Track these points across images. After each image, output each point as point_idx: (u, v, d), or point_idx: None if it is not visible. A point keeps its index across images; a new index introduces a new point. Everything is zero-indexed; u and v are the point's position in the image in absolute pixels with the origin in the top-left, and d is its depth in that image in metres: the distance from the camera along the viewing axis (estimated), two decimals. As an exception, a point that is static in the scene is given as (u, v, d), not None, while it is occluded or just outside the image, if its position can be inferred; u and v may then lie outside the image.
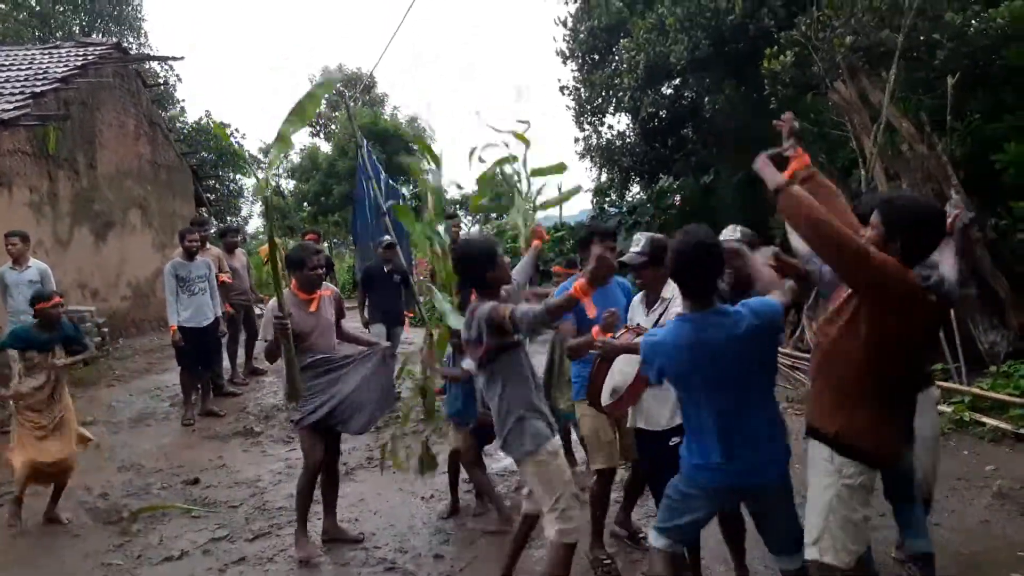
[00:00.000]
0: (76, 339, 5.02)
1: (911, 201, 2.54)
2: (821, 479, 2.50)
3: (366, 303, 7.66)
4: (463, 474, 4.73)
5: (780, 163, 2.95)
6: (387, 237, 7.02)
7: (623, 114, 14.66)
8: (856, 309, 2.45)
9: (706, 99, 13.46)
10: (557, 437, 3.21)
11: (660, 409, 3.40)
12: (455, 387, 4.48)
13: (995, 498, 4.45)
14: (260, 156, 28.45)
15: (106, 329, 10.53)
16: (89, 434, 5.17)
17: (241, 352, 8.86)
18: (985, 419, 5.54)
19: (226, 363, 8.40)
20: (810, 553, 2.53)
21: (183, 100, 21.89)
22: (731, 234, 3.75)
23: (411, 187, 19.38)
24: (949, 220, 2.67)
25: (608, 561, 3.75)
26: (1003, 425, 5.38)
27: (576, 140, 15.62)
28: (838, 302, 2.57)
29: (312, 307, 4.18)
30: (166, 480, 5.55)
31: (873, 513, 2.76)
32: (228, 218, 23.24)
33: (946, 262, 2.70)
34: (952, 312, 6.62)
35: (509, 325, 2.98)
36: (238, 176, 22.12)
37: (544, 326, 3.11)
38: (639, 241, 3.78)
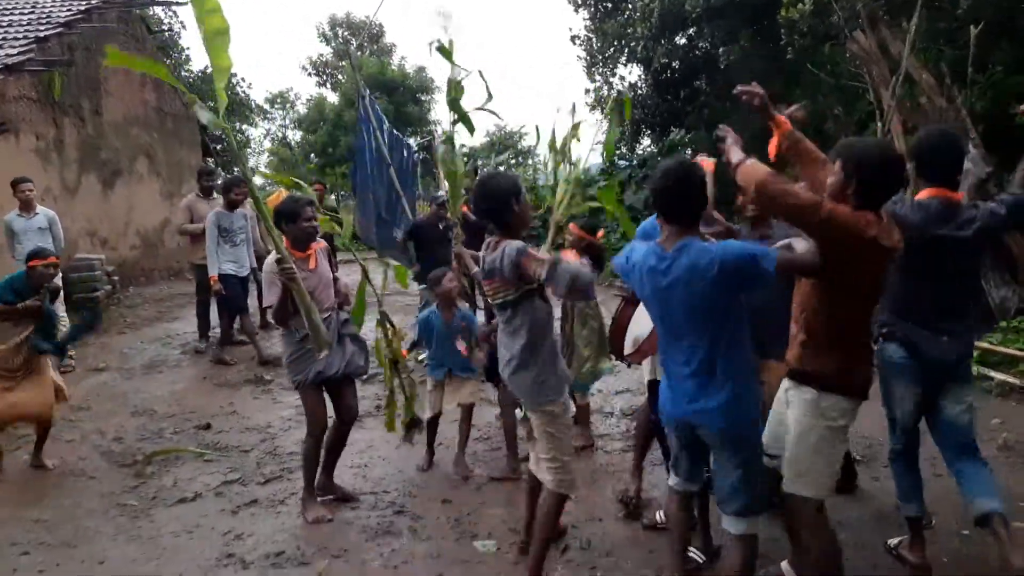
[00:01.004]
0: (48, 328, 4.77)
1: (868, 146, 2.59)
2: (806, 420, 2.59)
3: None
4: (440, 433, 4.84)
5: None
6: (441, 193, 6.48)
7: (635, 65, 14.38)
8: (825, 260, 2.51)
9: (721, 50, 13.17)
10: (567, 393, 3.21)
11: None
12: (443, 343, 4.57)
13: (1000, 450, 4.49)
14: (267, 106, 28.19)
15: (116, 277, 10.58)
16: (64, 385, 4.98)
17: (252, 303, 8.88)
18: (993, 373, 5.55)
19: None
20: (788, 485, 2.62)
21: (188, 48, 21.57)
22: None
23: (418, 138, 19.17)
24: None
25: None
26: (1011, 380, 5.39)
27: (587, 91, 15.37)
28: None
29: (310, 264, 3.97)
30: (178, 425, 5.64)
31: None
32: (235, 169, 23.12)
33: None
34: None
35: (539, 276, 2.85)
36: (245, 126, 21.93)
37: (586, 289, 3.00)
38: None
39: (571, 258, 3.16)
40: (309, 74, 29.49)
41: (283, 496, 4.35)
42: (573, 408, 3.46)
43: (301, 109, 27.35)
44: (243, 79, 22.31)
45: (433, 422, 4.73)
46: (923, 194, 2.97)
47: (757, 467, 2.67)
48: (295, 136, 28.20)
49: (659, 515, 3.72)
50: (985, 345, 5.92)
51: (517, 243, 2.95)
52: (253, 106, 24.08)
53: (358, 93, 7.82)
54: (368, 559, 3.60)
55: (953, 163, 3.02)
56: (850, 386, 2.59)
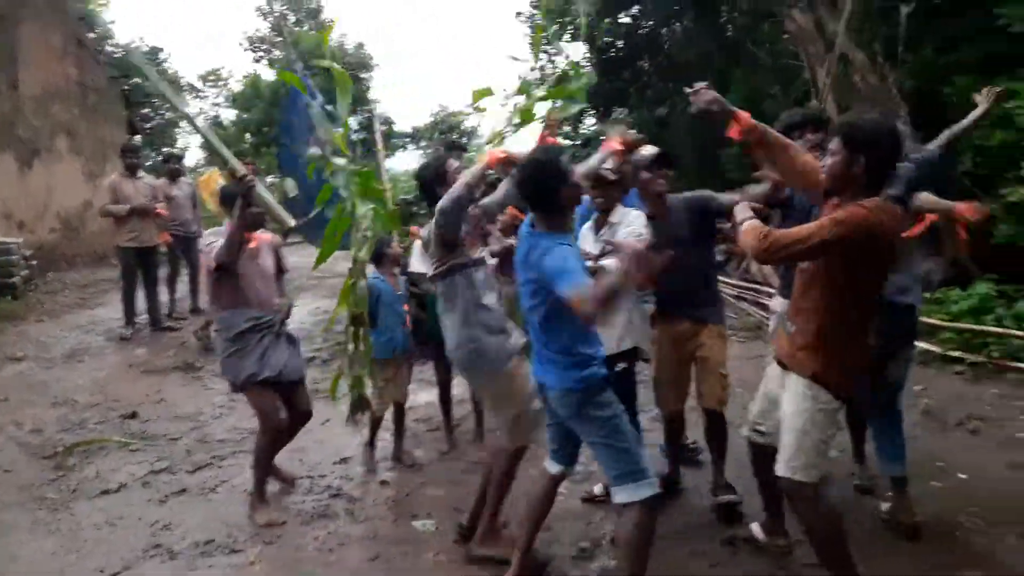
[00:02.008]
0: None
1: (873, 121, 2.54)
2: (798, 404, 2.59)
3: None
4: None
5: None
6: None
7: (579, 43, 14.37)
8: (828, 263, 2.50)
9: (664, 30, 13.25)
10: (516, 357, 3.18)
11: (607, 334, 3.38)
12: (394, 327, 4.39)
13: (922, 415, 4.65)
14: (199, 84, 27.13)
15: (34, 262, 10.01)
16: None
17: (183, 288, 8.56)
18: (917, 342, 5.72)
19: (165, 297, 8.13)
20: (782, 470, 2.62)
21: (112, 21, 20.52)
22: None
23: (356, 117, 18.75)
24: None
25: None
26: (933, 348, 5.59)
27: (532, 69, 15.24)
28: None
29: (259, 248, 3.79)
30: (102, 415, 5.38)
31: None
32: (164, 149, 22.24)
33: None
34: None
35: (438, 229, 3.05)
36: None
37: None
38: (607, 159, 3.70)
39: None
40: (245, 50, 28.56)
41: (214, 484, 4.20)
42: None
43: (235, 87, 26.42)
44: (171, 55, 21.40)
45: (378, 420, 4.46)
46: None
47: (615, 438, 2.64)
48: (229, 115, 27.24)
49: (596, 488, 3.73)
50: (911, 316, 6.12)
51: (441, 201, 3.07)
52: (184, 84, 23.16)
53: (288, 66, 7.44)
54: (303, 544, 3.50)
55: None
56: (844, 386, 2.60)
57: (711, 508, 3.54)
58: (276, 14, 27.45)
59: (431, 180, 3.36)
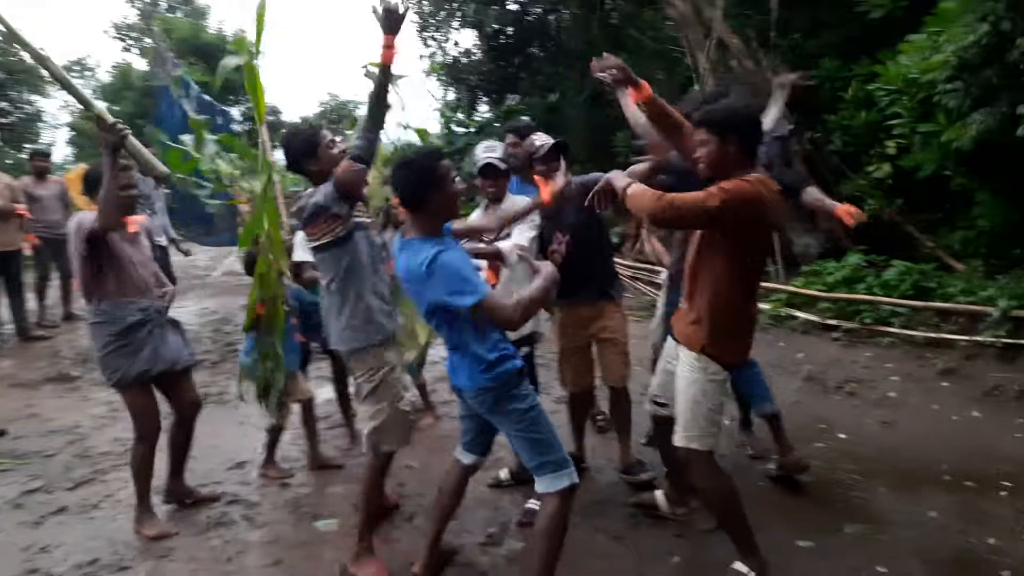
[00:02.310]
0: None
1: (731, 106, 2.71)
2: (689, 375, 2.69)
3: None
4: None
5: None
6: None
7: (468, 29, 14.29)
8: (715, 236, 2.60)
9: (551, 16, 13.38)
10: (394, 350, 3.10)
11: None
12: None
13: (804, 381, 4.95)
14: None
15: None
16: None
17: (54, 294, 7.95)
18: (798, 313, 6.10)
19: (34, 304, 7.53)
20: (680, 439, 2.72)
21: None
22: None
23: (239, 108, 17.97)
24: None
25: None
26: (812, 317, 5.94)
27: (421, 57, 15.09)
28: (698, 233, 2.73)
29: (131, 230, 3.49)
30: (-35, 434, 4.93)
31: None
32: (24, 146, 20.56)
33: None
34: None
35: (355, 165, 2.88)
36: (35, 97, 19.44)
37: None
38: (495, 148, 3.71)
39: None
40: (112, 38, 26.78)
41: (96, 500, 3.92)
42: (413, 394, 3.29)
43: (104, 77, 24.71)
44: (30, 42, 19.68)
45: (278, 429, 4.16)
46: None
47: (534, 429, 2.61)
48: (98, 107, 25.43)
49: (502, 473, 3.75)
50: (790, 288, 6.49)
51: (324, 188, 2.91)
52: (45, 74, 21.43)
53: (158, 56, 7.01)
54: (198, 555, 3.32)
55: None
56: (732, 356, 2.72)
57: (625, 484, 3.62)
58: (146, 0, 25.83)
59: (300, 152, 3.08)
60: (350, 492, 3.82)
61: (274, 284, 3.70)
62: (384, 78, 2.86)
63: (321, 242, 2.97)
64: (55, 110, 26.45)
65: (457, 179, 2.71)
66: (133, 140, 3.12)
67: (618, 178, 2.76)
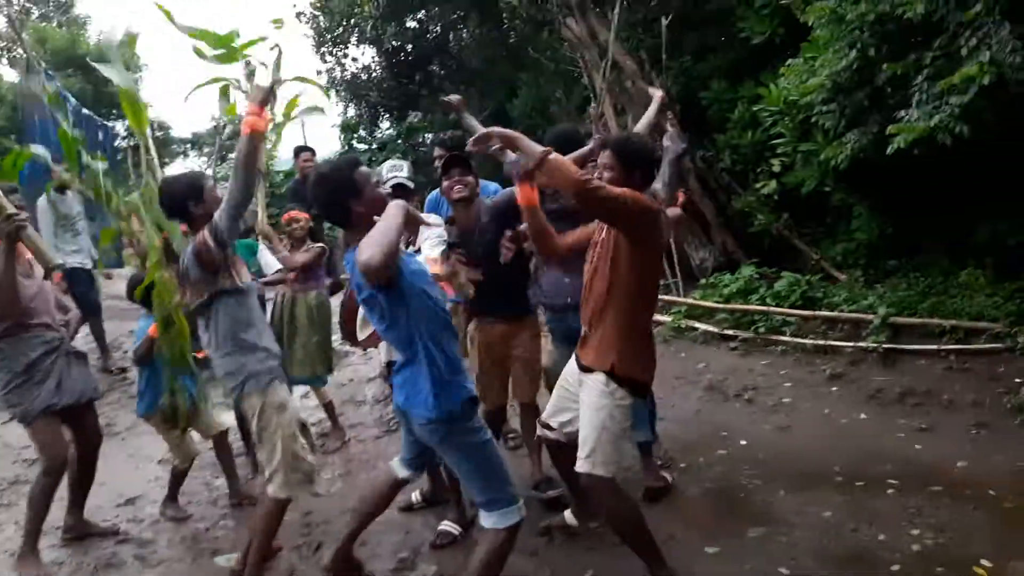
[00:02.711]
0: None
1: (637, 139, 2.89)
2: (596, 400, 2.71)
3: None
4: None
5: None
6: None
7: (367, 46, 14.12)
8: (616, 252, 2.68)
9: (451, 34, 13.42)
10: (284, 387, 3.02)
11: None
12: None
13: (705, 391, 5.12)
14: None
15: None
16: None
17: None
18: (697, 324, 6.31)
19: None
20: (583, 466, 2.71)
21: None
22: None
23: (124, 122, 16.99)
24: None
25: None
26: (711, 328, 6.17)
27: (319, 72, 14.75)
28: (595, 257, 2.80)
29: (27, 267, 3.34)
30: None
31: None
32: None
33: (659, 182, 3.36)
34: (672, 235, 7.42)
35: (212, 245, 2.73)
36: None
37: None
38: (401, 167, 3.70)
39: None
40: (-21, 46, 24.75)
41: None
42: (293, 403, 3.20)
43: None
44: None
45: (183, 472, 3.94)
46: None
47: (485, 464, 2.55)
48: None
49: (413, 496, 3.67)
50: (689, 301, 6.73)
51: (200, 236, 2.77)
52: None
53: (27, 66, 6.51)
54: (83, 604, 3.07)
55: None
56: (639, 381, 2.79)
57: (537, 501, 3.59)
58: (16, 7, 24.09)
59: (184, 195, 2.96)
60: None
61: (169, 300, 3.36)
62: (251, 146, 2.70)
63: (200, 302, 2.90)
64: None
65: (379, 182, 2.68)
66: (30, 230, 3.08)
67: (532, 144, 2.68)
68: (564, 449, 2.99)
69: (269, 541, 3.01)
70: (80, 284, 5.92)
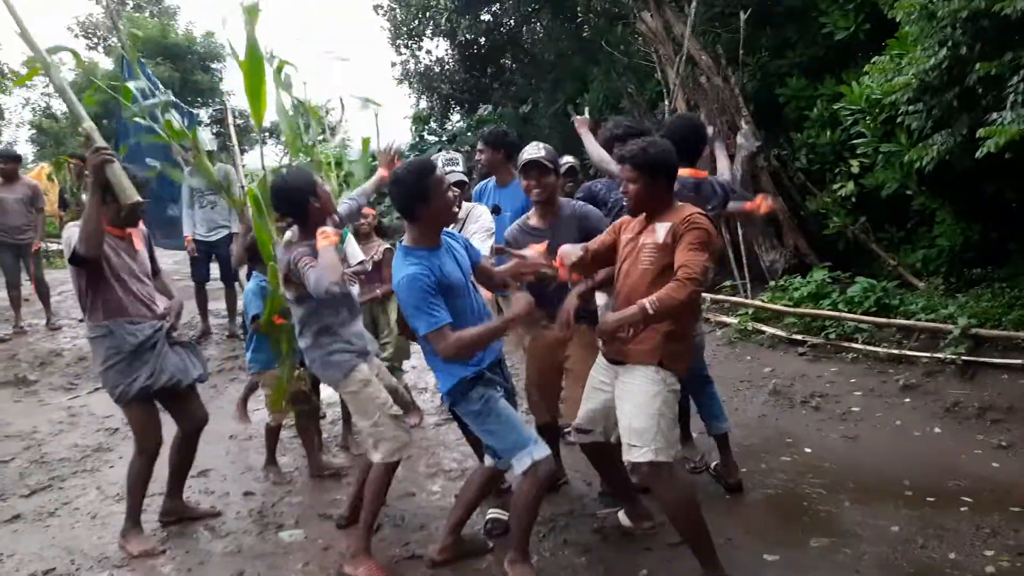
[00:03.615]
0: None
1: (654, 146, 2.81)
2: (648, 388, 2.72)
3: None
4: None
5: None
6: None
7: (441, 38, 14.27)
8: (671, 258, 2.69)
9: (524, 28, 13.44)
10: (365, 365, 3.19)
11: None
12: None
13: (770, 395, 5.01)
14: (23, 70, 24.61)
15: None
16: None
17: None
18: (764, 327, 6.17)
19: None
20: (644, 455, 2.68)
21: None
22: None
23: (208, 110, 17.70)
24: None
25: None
26: (779, 332, 6.02)
27: (393, 64, 15.02)
28: (628, 254, 2.86)
29: (136, 244, 3.41)
30: (-87, 440, 4.75)
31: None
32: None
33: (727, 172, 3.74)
34: (740, 235, 7.29)
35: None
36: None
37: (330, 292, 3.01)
38: (457, 161, 3.79)
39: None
40: (76, 35, 26.10)
41: (53, 508, 3.81)
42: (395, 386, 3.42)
43: (68, 75, 24.11)
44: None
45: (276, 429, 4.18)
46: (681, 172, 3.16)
47: (492, 421, 2.82)
48: (61, 106, 24.86)
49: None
50: (757, 303, 6.59)
51: (301, 249, 3.04)
52: (6, 71, 20.87)
53: (123, 57, 6.84)
54: (158, 564, 3.25)
55: (697, 144, 3.62)
56: (686, 367, 2.87)
57: (594, 497, 3.60)
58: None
59: (303, 191, 3.16)
60: (316, 502, 3.78)
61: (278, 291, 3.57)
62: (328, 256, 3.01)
63: (299, 293, 3.15)
64: (15, 107, 25.71)
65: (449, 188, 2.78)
66: (115, 165, 3.11)
67: (633, 312, 2.62)
68: (606, 450, 3.00)
69: (378, 506, 3.14)
70: (222, 250, 6.79)
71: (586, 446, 3.08)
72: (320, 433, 4.36)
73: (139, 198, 3.17)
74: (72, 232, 3.19)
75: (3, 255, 7.16)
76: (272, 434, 4.17)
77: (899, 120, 5.33)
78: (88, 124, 3.18)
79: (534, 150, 3.43)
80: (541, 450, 2.76)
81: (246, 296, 4.20)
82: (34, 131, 24.54)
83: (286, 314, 3.56)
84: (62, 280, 8.64)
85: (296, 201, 3.16)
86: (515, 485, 2.80)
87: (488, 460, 3.06)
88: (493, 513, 3.39)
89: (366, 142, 4.38)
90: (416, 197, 2.71)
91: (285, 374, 3.83)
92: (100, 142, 3.09)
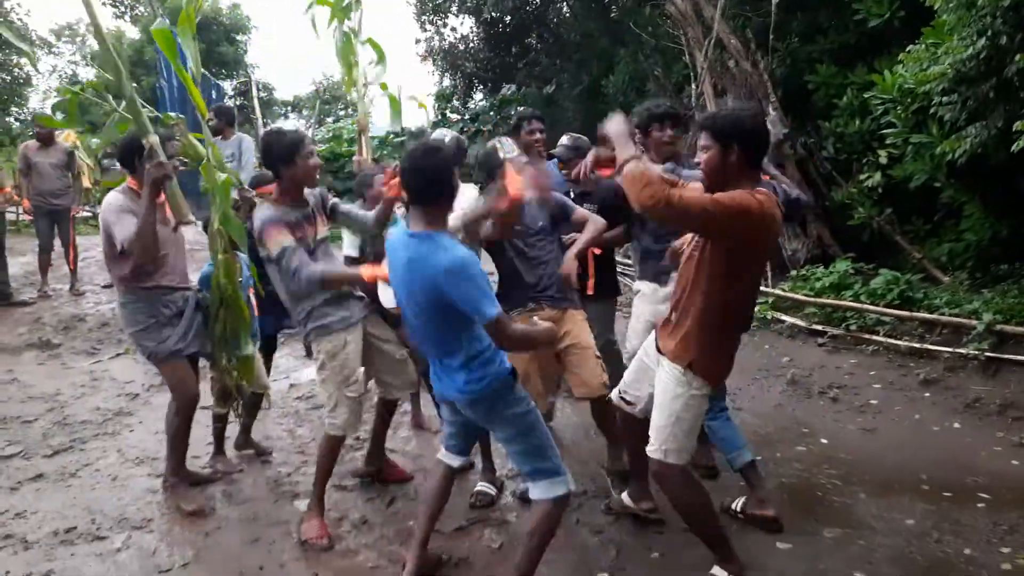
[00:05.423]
0: None
1: (735, 113, 2.56)
2: (672, 388, 2.63)
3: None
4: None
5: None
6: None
7: (466, 16, 14.18)
8: (715, 249, 2.49)
9: (551, 7, 13.32)
10: (346, 335, 3.19)
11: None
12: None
13: (788, 385, 4.98)
14: (52, 39, 24.79)
15: None
16: None
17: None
18: (784, 317, 6.13)
19: (16, 270, 7.41)
20: (655, 453, 2.66)
21: None
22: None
23: (232, 82, 17.74)
24: None
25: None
26: (798, 322, 5.97)
27: (417, 41, 15.00)
28: (691, 241, 2.64)
29: (168, 213, 3.37)
30: (-60, 398, 4.86)
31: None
32: (13, 109, 20.18)
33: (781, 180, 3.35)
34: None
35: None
36: (24, 60, 19.03)
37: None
38: (512, 148, 3.67)
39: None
40: (104, 3, 26.22)
41: (75, 468, 3.90)
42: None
43: (95, 44, 24.20)
44: (19, 4, 19.28)
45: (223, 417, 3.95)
46: None
47: (530, 435, 2.59)
48: (88, 74, 25.03)
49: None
50: (777, 292, 6.53)
51: (265, 213, 3.05)
52: (34, 38, 21.03)
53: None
54: (175, 528, 3.30)
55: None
56: (717, 372, 2.68)
57: (606, 479, 3.57)
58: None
59: (276, 155, 3.10)
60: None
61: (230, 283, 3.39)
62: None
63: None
64: (44, 74, 25.93)
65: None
66: (174, 182, 3.20)
67: (624, 141, 2.52)
68: (637, 425, 2.92)
69: (326, 474, 3.26)
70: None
71: (622, 412, 3.01)
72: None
73: (192, 218, 3.33)
74: (110, 201, 3.32)
75: (39, 220, 7.26)
76: (219, 422, 3.92)
77: (931, 111, 5.23)
78: (153, 138, 3.16)
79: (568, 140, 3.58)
80: (570, 482, 2.62)
81: (199, 282, 3.77)
82: (61, 98, 24.76)
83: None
84: (87, 247, 8.75)
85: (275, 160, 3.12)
86: (538, 508, 2.57)
87: (454, 460, 2.91)
88: (482, 487, 3.48)
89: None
90: (440, 181, 2.53)
91: (219, 365, 3.57)
92: (162, 157, 3.13)
